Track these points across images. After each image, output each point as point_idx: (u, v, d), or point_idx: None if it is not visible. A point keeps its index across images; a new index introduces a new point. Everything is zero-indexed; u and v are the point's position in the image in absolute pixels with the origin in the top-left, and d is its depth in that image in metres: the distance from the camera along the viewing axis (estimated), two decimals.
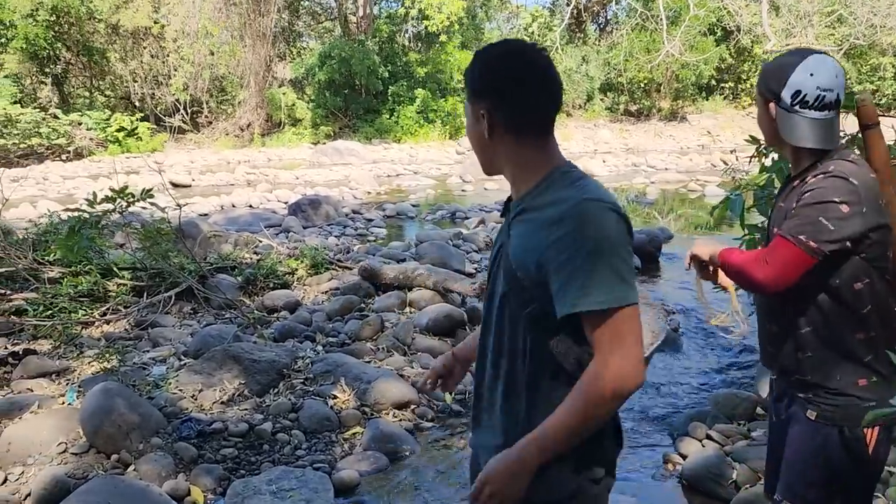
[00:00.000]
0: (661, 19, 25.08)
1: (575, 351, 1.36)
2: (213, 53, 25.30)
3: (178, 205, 5.36)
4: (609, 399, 1.27)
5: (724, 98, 29.99)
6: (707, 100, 29.81)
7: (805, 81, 1.72)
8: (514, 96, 1.41)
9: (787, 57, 1.81)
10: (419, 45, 27.74)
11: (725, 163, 11.65)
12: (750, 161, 4.48)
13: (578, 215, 1.30)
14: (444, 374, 1.85)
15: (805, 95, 1.72)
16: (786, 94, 1.74)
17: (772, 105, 1.80)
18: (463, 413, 4.15)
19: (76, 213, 4.03)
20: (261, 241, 7.43)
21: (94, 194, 4.06)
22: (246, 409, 3.84)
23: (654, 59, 24.46)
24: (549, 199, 1.38)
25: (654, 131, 26.36)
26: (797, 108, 1.73)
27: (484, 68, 1.45)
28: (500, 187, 14.28)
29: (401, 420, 3.95)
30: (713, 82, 29.82)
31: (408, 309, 5.46)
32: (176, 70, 24.94)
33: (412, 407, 4.07)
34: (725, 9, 26.52)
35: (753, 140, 4.42)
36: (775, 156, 4.06)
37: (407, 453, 3.65)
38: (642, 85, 28.27)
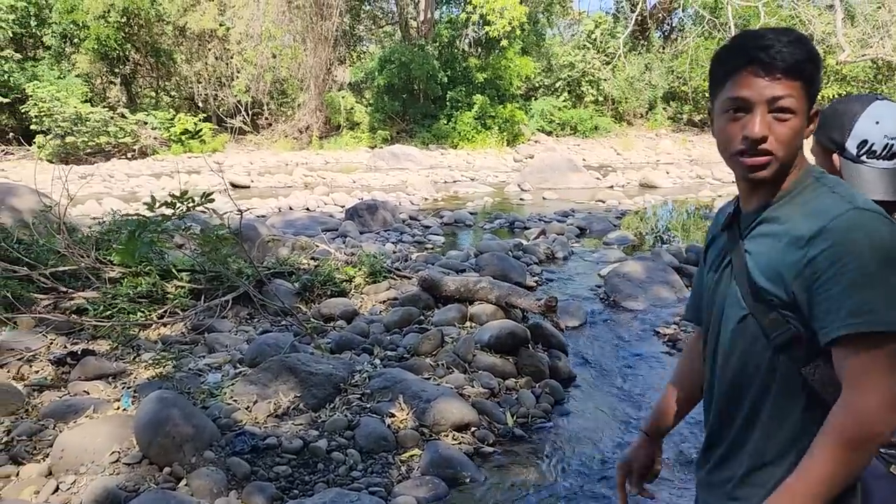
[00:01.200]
0: (729, 27, 24.45)
1: (836, 379, 1.20)
2: (275, 56, 25.66)
3: (240, 210, 5.28)
4: (871, 442, 1.15)
5: None
6: None
7: (871, 130, 1.62)
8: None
9: (849, 104, 1.69)
10: (479, 50, 27.60)
11: None
12: None
13: (846, 227, 1.17)
14: (637, 468, 1.68)
15: (872, 145, 1.62)
16: (851, 145, 1.64)
17: (835, 156, 1.67)
18: (525, 438, 3.93)
19: (136, 217, 3.96)
20: (318, 246, 7.35)
21: (154, 198, 4.00)
22: (301, 424, 3.70)
23: None
24: (801, 210, 1.26)
25: None
26: (864, 158, 1.63)
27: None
28: (559, 197, 14.00)
29: (460, 443, 3.75)
30: None
31: (468, 323, 5.26)
32: (239, 72, 25.40)
33: (472, 429, 3.87)
34: (798, 17, 25.68)
35: None
36: None
37: (467, 479, 3.45)
38: (707, 94, 27.50)
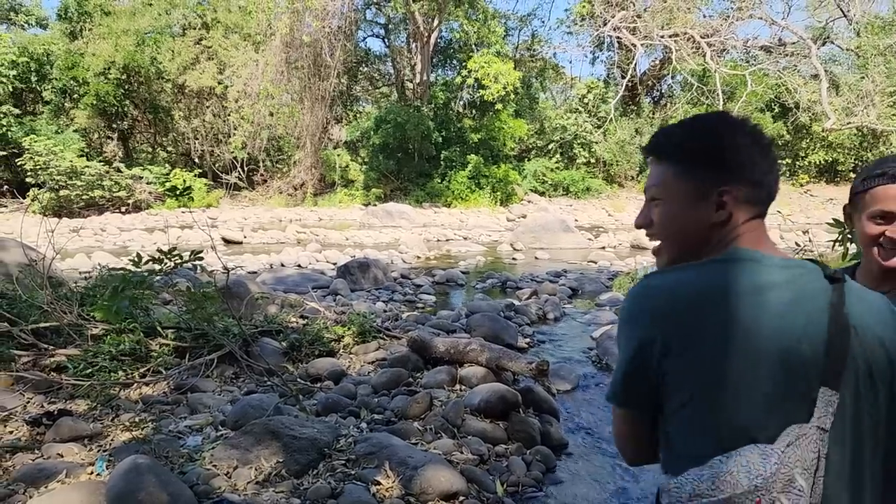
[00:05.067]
0: (717, 94, 25.03)
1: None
2: (272, 114, 26.04)
3: (226, 269, 5.21)
4: None
5: (781, 175, 29.33)
6: None
7: None
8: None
9: None
10: (473, 111, 28.10)
11: (798, 244, 11.21)
12: (833, 246, 4.14)
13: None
14: None
15: None
16: None
17: None
18: None
19: (121, 273, 3.89)
20: (307, 304, 7.26)
21: (139, 255, 3.93)
22: (282, 492, 3.55)
23: None
24: None
25: None
26: None
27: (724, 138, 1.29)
28: (551, 257, 14.00)
29: None
30: None
31: (458, 386, 5.14)
32: (236, 129, 25.71)
33: (461, 498, 3.71)
34: (784, 85, 26.34)
35: (837, 224, 4.09)
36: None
37: None
38: None
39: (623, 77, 28.30)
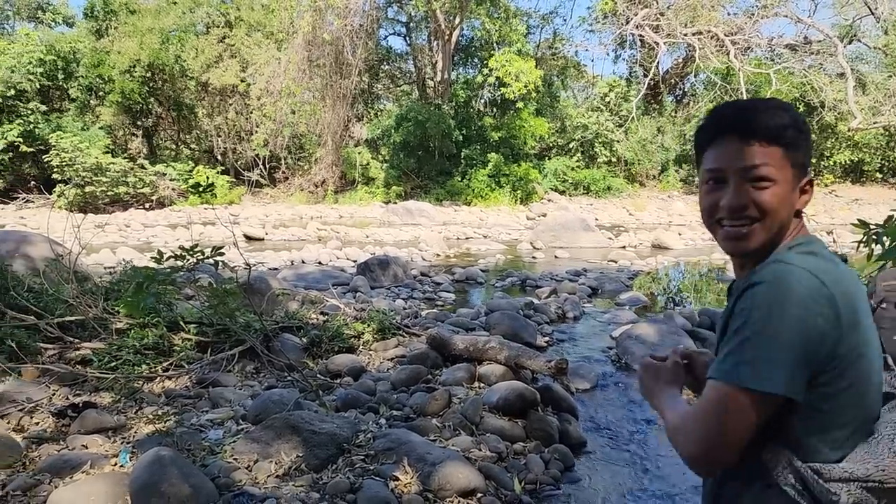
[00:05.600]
0: (741, 93, 24.74)
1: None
2: (294, 112, 26.20)
3: (248, 264, 5.27)
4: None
5: None
6: None
7: None
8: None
9: None
10: (494, 110, 28.07)
11: None
12: (858, 247, 4.11)
13: (758, 281, 1.21)
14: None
15: None
16: None
17: None
18: None
19: (144, 269, 3.95)
20: (328, 301, 7.30)
21: (160, 252, 3.99)
22: (302, 486, 3.58)
23: None
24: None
25: None
26: None
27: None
28: (571, 256, 13.95)
29: None
30: None
31: (477, 383, 5.15)
32: (258, 127, 25.90)
33: (479, 495, 3.72)
34: (809, 84, 25.99)
35: (862, 224, 4.04)
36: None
37: None
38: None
39: (645, 75, 28.11)
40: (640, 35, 27.14)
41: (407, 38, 30.56)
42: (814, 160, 23.54)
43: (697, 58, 25.48)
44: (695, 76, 31.08)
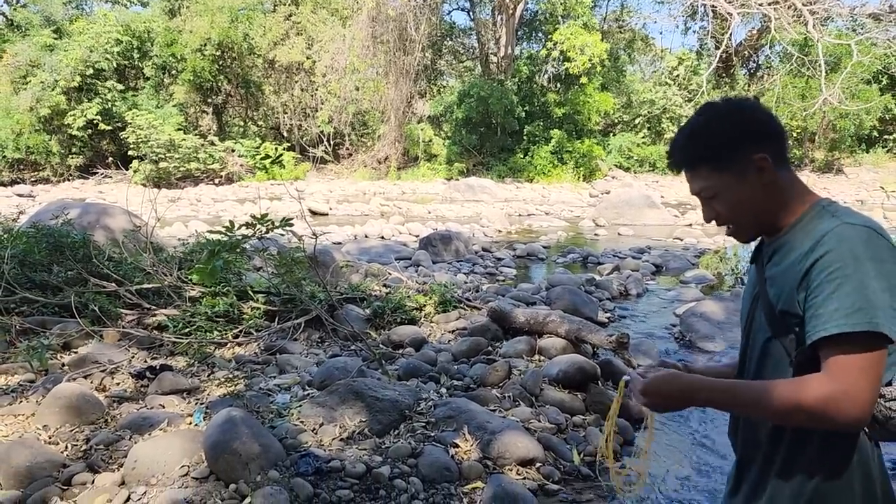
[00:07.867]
0: (819, 65, 23.64)
1: None
2: (358, 89, 26.43)
3: (315, 234, 5.40)
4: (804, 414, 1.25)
5: (888, 151, 27.65)
6: (867, 152, 27.61)
7: None
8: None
9: None
10: (558, 85, 27.64)
11: None
12: None
13: (835, 240, 1.26)
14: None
15: None
16: None
17: None
18: (592, 478, 3.80)
19: (215, 237, 4.11)
20: (390, 274, 7.42)
21: (232, 222, 4.12)
22: (365, 449, 3.70)
23: (809, 107, 22.99)
24: (803, 232, 1.36)
25: (806, 183, 24.67)
26: None
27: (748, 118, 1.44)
28: (634, 233, 13.73)
29: (524, 478, 3.66)
30: (875, 134, 27.61)
31: (537, 356, 5.18)
32: (323, 103, 26.25)
33: (538, 465, 3.77)
34: (894, 56, 24.59)
35: None
36: None
37: None
38: (794, 134, 26.57)
39: (717, 48, 27.09)
40: (713, 5, 26.13)
41: (470, 13, 30.33)
42: None
43: (773, 28, 24.37)
44: (770, 48, 29.84)
